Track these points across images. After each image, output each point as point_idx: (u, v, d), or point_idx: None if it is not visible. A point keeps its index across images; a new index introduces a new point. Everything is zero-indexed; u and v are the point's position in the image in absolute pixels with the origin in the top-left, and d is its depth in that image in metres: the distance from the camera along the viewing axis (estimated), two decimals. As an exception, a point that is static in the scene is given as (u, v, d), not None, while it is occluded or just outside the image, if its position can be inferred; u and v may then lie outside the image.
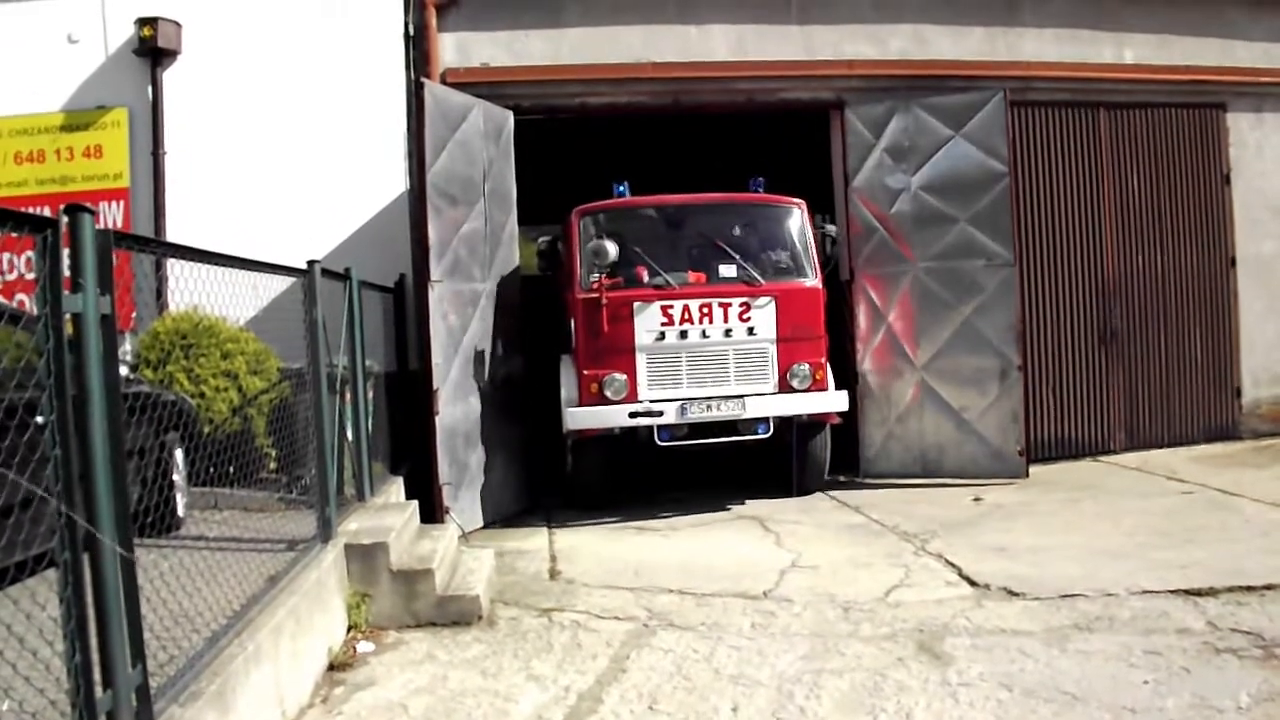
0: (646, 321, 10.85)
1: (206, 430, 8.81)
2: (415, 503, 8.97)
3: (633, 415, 10.58)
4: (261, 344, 9.85)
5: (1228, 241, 14.15)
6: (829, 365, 11.47)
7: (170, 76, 12.05)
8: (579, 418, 10.71)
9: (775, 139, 15.10)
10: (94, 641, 3.67)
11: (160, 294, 11.08)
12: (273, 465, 8.01)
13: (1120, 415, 13.67)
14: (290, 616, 5.70)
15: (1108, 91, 13.52)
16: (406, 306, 11.74)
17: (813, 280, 11.50)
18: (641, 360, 10.86)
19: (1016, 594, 7.48)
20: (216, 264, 5.51)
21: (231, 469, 7.25)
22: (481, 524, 10.64)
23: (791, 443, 11.55)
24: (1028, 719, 5.37)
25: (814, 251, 11.65)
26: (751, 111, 13.37)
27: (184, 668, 4.46)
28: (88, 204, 3.89)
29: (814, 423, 11.47)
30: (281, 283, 7.13)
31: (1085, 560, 8.26)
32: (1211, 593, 7.22)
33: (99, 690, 3.67)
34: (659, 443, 10.82)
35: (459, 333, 10.68)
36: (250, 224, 11.01)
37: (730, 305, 11.02)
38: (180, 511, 7.64)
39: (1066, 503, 10.63)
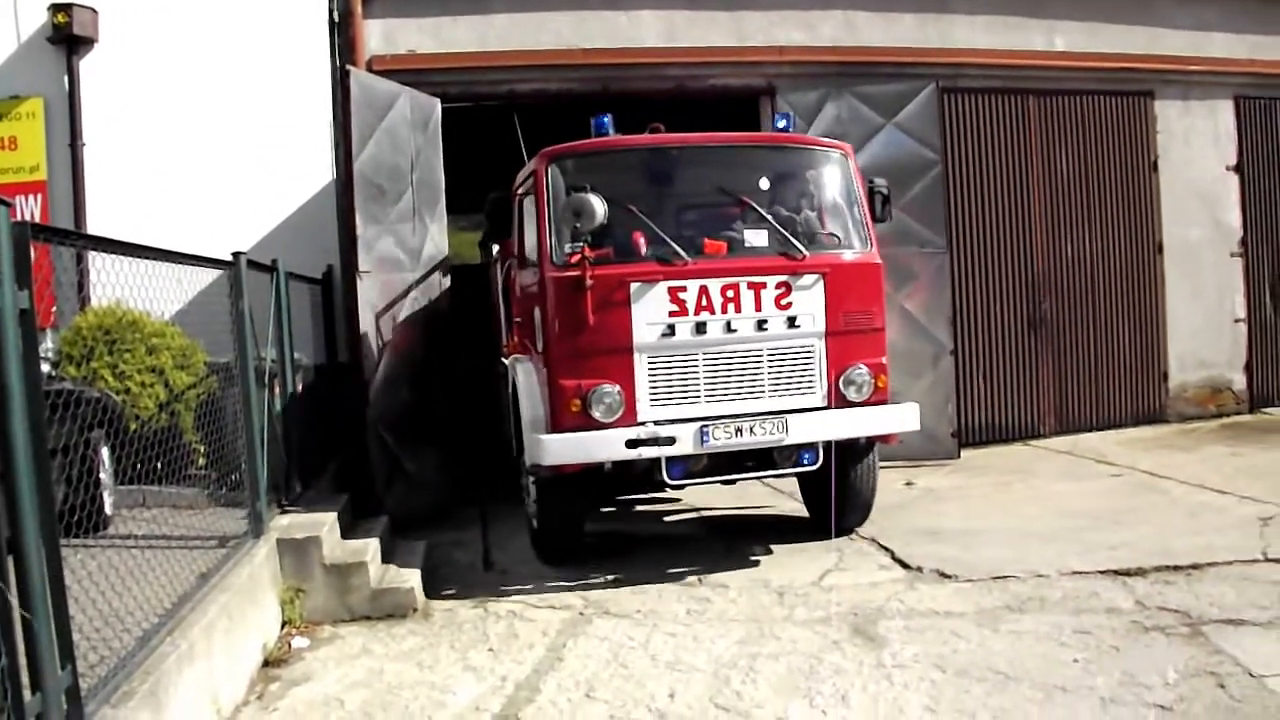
0: (648, 309, 7.82)
1: (133, 427, 8.65)
2: (346, 496, 8.89)
3: (632, 444, 7.58)
4: (188, 339, 9.69)
5: (1155, 228, 14.32)
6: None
7: (87, 65, 11.76)
8: (554, 449, 7.59)
9: (708, 126, 15.04)
10: (21, 644, 3.60)
11: (82, 288, 10.86)
12: (201, 461, 7.89)
13: (1050, 399, 13.82)
14: (223, 614, 5.63)
15: (1038, 79, 13.65)
16: (335, 298, 11.60)
17: (869, 251, 8.57)
18: (641, 365, 7.82)
19: (949, 576, 7.56)
20: (139, 257, 5.40)
21: (159, 466, 7.10)
22: (414, 516, 10.41)
23: (826, 467, 8.29)
24: (961, 699, 5.43)
25: (866, 212, 8.78)
26: (682, 98, 13.33)
27: (115, 668, 4.39)
28: (3, 197, 3.80)
29: (859, 441, 8.51)
30: (207, 275, 7.03)
31: (1016, 542, 8.36)
32: (1140, 573, 7.35)
33: (27, 694, 3.61)
34: (668, 481, 7.95)
35: (389, 324, 10.56)
36: (175, 216, 10.80)
37: (764, 287, 8.03)
38: (108, 510, 7.50)
39: (998, 486, 10.74)
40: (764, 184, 8.69)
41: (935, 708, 5.36)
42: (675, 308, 7.87)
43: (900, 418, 8.35)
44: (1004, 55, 13.40)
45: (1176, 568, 7.41)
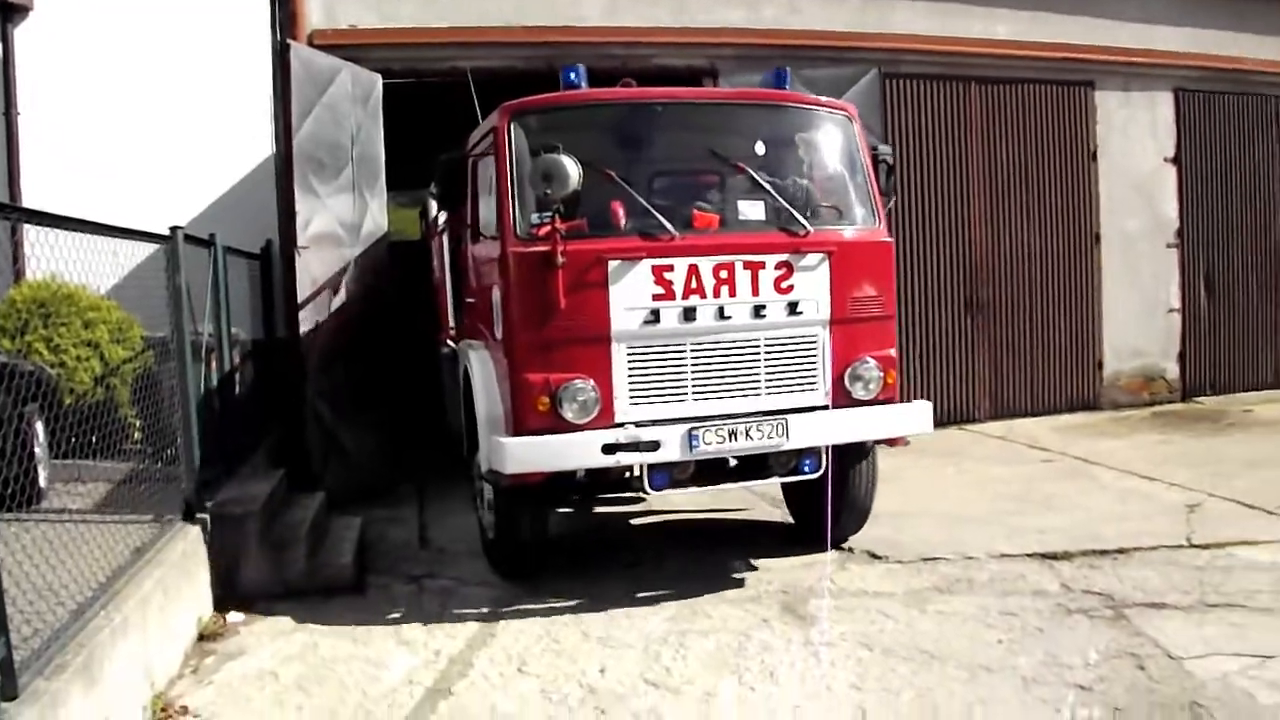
0: (629, 292, 6.79)
1: (68, 401, 8.59)
2: (282, 471, 8.86)
3: (610, 450, 6.62)
4: (124, 313, 9.62)
5: (1092, 218, 14.49)
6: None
7: (22, 33, 11.62)
8: (517, 456, 6.58)
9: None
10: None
11: (16, 260, 10.75)
12: (137, 436, 7.85)
13: (986, 385, 13.98)
14: (158, 588, 5.65)
15: (979, 66, 13.75)
16: (274, 273, 11.53)
17: (878, 227, 7.63)
18: (620, 356, 6.82)
19: (879, 557, 7.68)
20: (76, 230, 5.36)
21: (95, 440, 7.07)
22: (350, 493, 10.36)
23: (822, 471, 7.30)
24: (887, 677, 5.54)
25: (874, 183, 7.79)
26: (631, 76, 13.33)
27: (48, 640, 4.39)
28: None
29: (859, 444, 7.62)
30: (143, 249, 6.98)
31: (948, 525, 8.48)
32: (1066, 556, 7.50)
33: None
34: (649, 490, 6.96)
35: (327, 300, 10.51)
36: (112, 188, 10.71)
37: (763, 267, 7.04)
38: (42, 484, 7.46)
39: (931, 470, 10.87)
40: (759, 148, 7.58)
41: (861, 685, 5.47)
42: (660, 290, 6.85)
43: (912, 418, 7.42)
44: (944, 42, 13.49)
45: (1103, 552, 7.56)
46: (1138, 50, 14.41)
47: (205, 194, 11.42)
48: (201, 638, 6.39)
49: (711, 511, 9.23)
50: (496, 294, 7.16)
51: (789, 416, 6.94)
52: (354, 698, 5.57)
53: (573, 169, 6.57)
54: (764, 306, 7.01)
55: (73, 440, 7.13)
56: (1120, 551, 7.56)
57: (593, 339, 6.77)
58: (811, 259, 7.14)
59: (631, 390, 6.84)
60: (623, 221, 6.97)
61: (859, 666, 5.69)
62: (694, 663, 5.83)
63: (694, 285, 6.90)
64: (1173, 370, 15.02)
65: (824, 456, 7.14)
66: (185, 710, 5.40)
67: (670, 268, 6.87)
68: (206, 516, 7.00)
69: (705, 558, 7.88)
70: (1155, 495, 9.32)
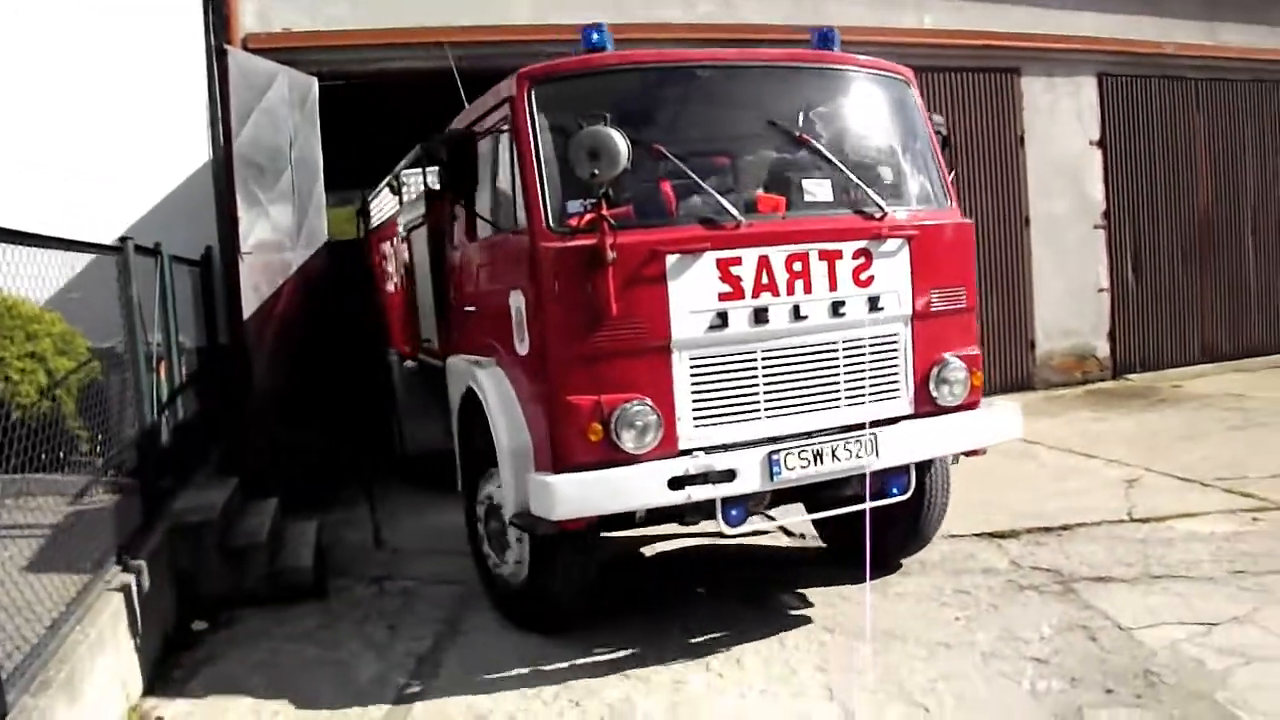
0: (691, 291, 5.69)
1: (15, 415, 8.51)
2: (235, 479, 8.84)
3: (678, 484, 5.51)
4: (67, 325, 9.52)
5: (1022, 201, 14.77)
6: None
7: (-54, 38, 11.40)
8: (569, 496, 5.44)
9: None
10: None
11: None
12: (86, 448, 7.81)
13: (923, 368, 14.11)
14: (125, 601, 5.63)
15: (910, 56, 13.79)
16: (215, 279, 11.46)
17: (952, 208, 6.74)
18: (682, 368, 5.70)
19: (834, 543, 7.77)
20: (21, 244, 5.30)
21: (44, 455, 7.02)
22: (303, 498, 10.31)
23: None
24: (850, 658, 5.67)
25: (940, 157, 6.91)
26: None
27: (28, 656, 4.40)
28: None
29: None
30: (82, 260, 6.94)
31: (897, 508, 8.60)
32: (1013, 534, 7.70)
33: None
34: (727, 529, 5.78)
35: (270, 305, 10.47)
36: (45, 195, 10.49)
37: (839, 256, 6.00)
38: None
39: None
40: (814, 122, 6.50)
41: (825, 668, 5.60)
42: (727, 288, 5.75)
43: (1004, 424, 6.58)
44: (876, 32, 13.57)
45: (1048, 529, 7.77)
46: (1061, 37, 14.69)
47: (141, 201, 11.21)
48: (169, 647, 6.39)
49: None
50: (519, 299, 6.02)
51: (877, 431, 5.98)
52: (326, 701, 5.61)
53: (623, 144, 5.38)
54: (843, 303, 5.98)
55: (21, 454, 7.09)
56: (1065, 528, 7.78)
57: (649, 350, 5.65)
58: (891, 245, 6.14)
59: (696, 409, 5.72)
60: (676, 207, 5.92)
61: (822, 650, 5.85)
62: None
63: (765, 281, 5.81)
64: (1103, 349, 15.33)
65: (912, 475, 6.21)
66: (161, 721, 5.43)
67: (737, 261, 5.76)
68: (166, 526, 6.98)
69: (646, 551, 7.95)
70: (1095, 472, 9.56)
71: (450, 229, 7.54)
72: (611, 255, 5.46)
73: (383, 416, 11.46)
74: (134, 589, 5.81)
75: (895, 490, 6.12)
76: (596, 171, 5.38)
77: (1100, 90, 15.14)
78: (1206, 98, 15.93)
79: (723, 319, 5.72)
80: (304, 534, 8.30)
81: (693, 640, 6.15)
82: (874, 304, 6.06)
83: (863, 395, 6.06)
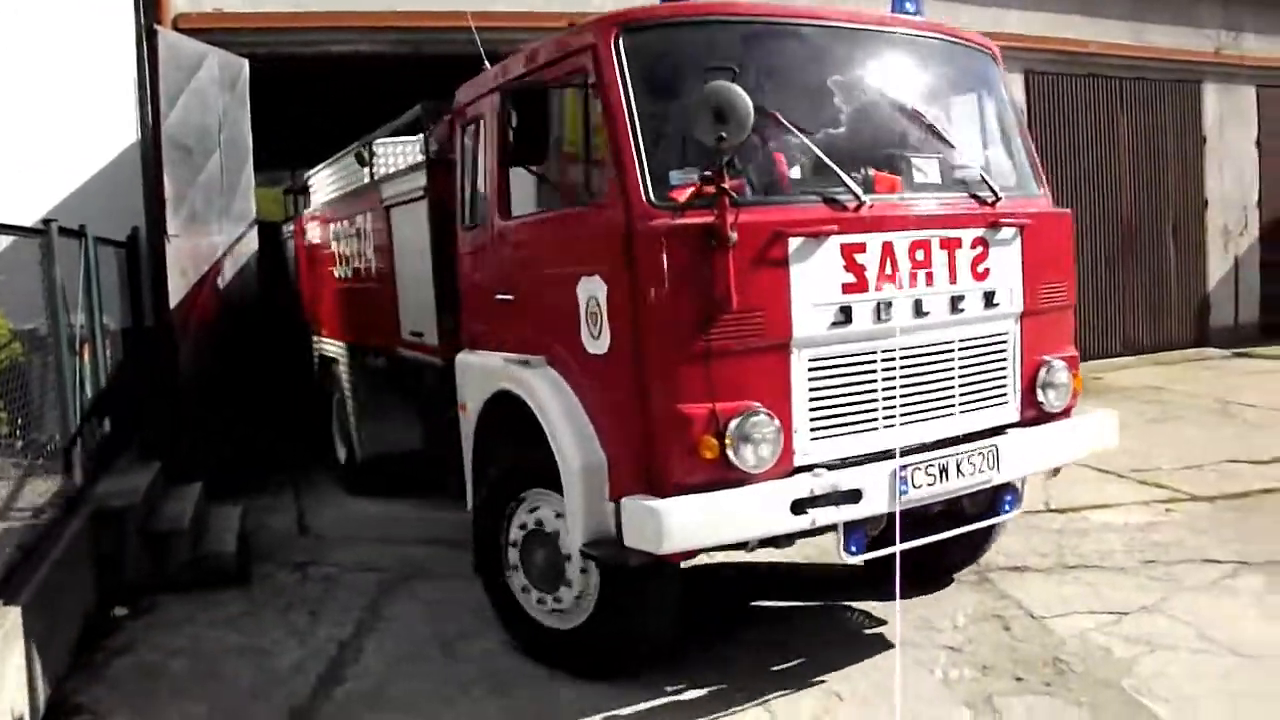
0: (814, 281, 4.94)
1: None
2: (159, 464, 8.77)
3: (800, 508, 4.78)
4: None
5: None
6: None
7: None
8: (683, 525, 4.59)
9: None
10: None
11: None
12: (4, 430, 7.71)
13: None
14: (43, 587, 5.57)
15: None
16: (141, 260, 11.32)
17: (1045, 195, 6.15)
18: (800, 370, 4.95)
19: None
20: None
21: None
22: (227, 483, 10.19)
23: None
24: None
25: (1028, 140, 6.36)
26: (496, 62, 13.31)
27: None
28: None
29: None
30: (3, 241, 6.88)
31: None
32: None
33: None
34: (845, 558, 5.05)
35: (197, 287, 10.37)
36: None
37: (959, 245, 5.37)
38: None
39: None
40: (921, 91, 5.84)
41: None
42: (851, 278, 5.02)
43: (1103, 432, 6.07)
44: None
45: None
46: (989, 34, 14.79)
47: (67, 182, 11.08)
48: (89, 634, 6.33)
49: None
50: (594, 287, 5.10)
51: (996, 441, 5.44)
52: (246, 688, 5.60)
53: (749, 104, 4.52)
54: (962, 297, 5.36)
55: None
56: (981, 519, 7.89)
57: (767, 349, 4.87)
58: (1006, 234, 5.54)
59: (813, 419, 4.98)
60: (787, 185, 5.26)
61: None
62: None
63: (888, 271, 5.11)
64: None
65: (1023, 489, 5.78)
66: (79, 709, 5.40)
67: (862, 248, 5.04)
68: (88, 510, 6.91)
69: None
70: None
71: (466, 203, 6.58)
72: (733, 236, 4.66)
73: (312, 407, 11.33)
74: (49, 575, 5.73)
75: (1007, 506, 5.64)
76: (725, 135, 4.49)
77: (1026, 88, 15.31)
78: (1131, 97, 16.24)
79: (845, 314, 4.99)
80: (228, 520, 8.25)
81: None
82: (989, 299, 5.48)
83: (978, 401, 5.50)
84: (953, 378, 5.36)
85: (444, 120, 7.35)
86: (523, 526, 5.71)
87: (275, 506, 9.52)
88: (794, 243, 4.85)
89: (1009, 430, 5.58)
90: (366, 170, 9.03)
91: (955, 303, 5.32)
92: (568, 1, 12.68)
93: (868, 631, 6.07)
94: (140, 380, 10.20)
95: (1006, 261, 5.53)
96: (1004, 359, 5.60)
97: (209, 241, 10.57)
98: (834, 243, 4.95)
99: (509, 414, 5.74)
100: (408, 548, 7.99)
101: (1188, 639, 5.73)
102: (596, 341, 5.12)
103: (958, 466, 5.22)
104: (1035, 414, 5.72)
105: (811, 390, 4.95)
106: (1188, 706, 4.99)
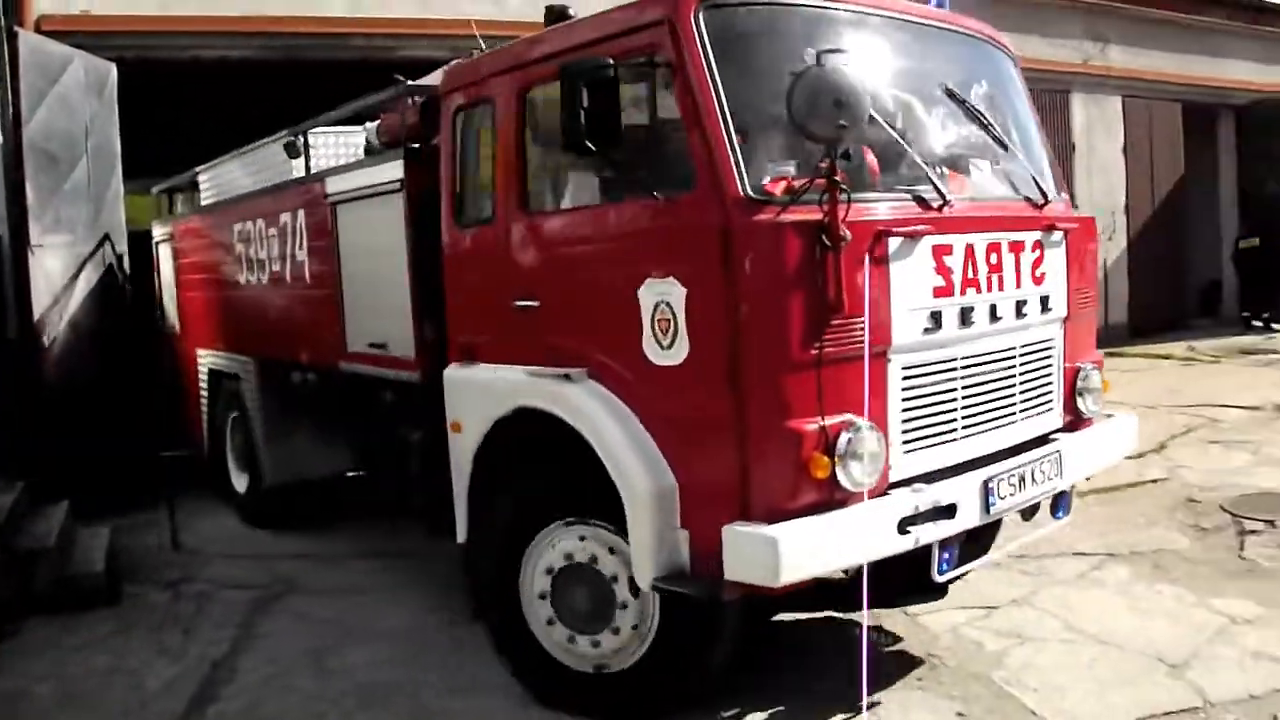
0: (909, 284, 4.67)
1: None
2: (22, 482, 8.50)
3: (905, 526, 4.48)
4: None
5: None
6: None
7: None
8: (799, 551, 4.18)
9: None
10: None
11: None
12: None
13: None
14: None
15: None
16: (3, 272, 10.97)
17: (1066, 199, 5.99)
18: (895, 379, 4.68)
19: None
20: None
21: None
22: (96, 500, 9.83)
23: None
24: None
25: (1048, 145, 6.23)
26: (370, 69, 13.20)
27: None
28: None
29: None
30: None
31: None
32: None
33: None
34: (936, 579, 4.89)
35: (64, 298, 10.11)
36: None
37: (1023, 248, 5.24)
38: None
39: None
40: (969, 90, 5.53)
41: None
42: (941, 281, 4.78)
43: (1129, 434, 6.03)
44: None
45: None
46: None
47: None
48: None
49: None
50: (666, 290, 4.60)
51: (1059, 447, 5.36)
52: (115, 711, 5.47)
53: (867, 93, 4.27)
54: (1025, 302, 5.23)
55: None
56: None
57: (864, 357, 4.47)
58: (1056, 238, 5.45)
59: (905, 430, 4.72)
60: (877, 178, 4.87)
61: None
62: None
63: (969, 274, 4.92)
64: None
65: (1073, 496, 5.62)
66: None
67: (949, 249, 4.81)
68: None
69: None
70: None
71: (459, 198, 5.91)
72: (846, 235, 4.31)
73: (184, 423, 10.93)
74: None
75: (1062, 513, 5.55)
76: (844, 124, 4.10)
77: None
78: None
79: (935, 319, 4.74)
80: (96, 538, 8.02)
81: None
82: (1044, 304, 5.35)
83: (1034, 407, 5.39)
84: (1014, 384, 5.24)
85: (404, 108, 6.66)
86: (556, 565, 5.17)
87: (147, 523, 9.28)
88: (893, 243, 4.57)
89: (1057, 436, 5.53)
90: (299, 163, 8.00)
91: (1019, 307, 5.19)
92: (435, 9, 12.73)
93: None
94: (2, 395, 9.90)
95: (1056, 266, 5.46)
96: (1051, 364, 5.51)
97: (75, 251, 10.29)
98: (927, 244, 4.70)
99: (529, 435, 5.29)
100: (282, 563, 7.89)
101: (1056, 630, 5.91)
102: (667, 352, 4.63)
103: (1033, 475, 5.12)
104: (1073, 419, 5.69)
105: (904, 400, 4.69)
106: (1055, 694, 5.14)
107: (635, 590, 4.86)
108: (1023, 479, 5.03)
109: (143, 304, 11.43)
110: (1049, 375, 5.48)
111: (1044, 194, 5.51)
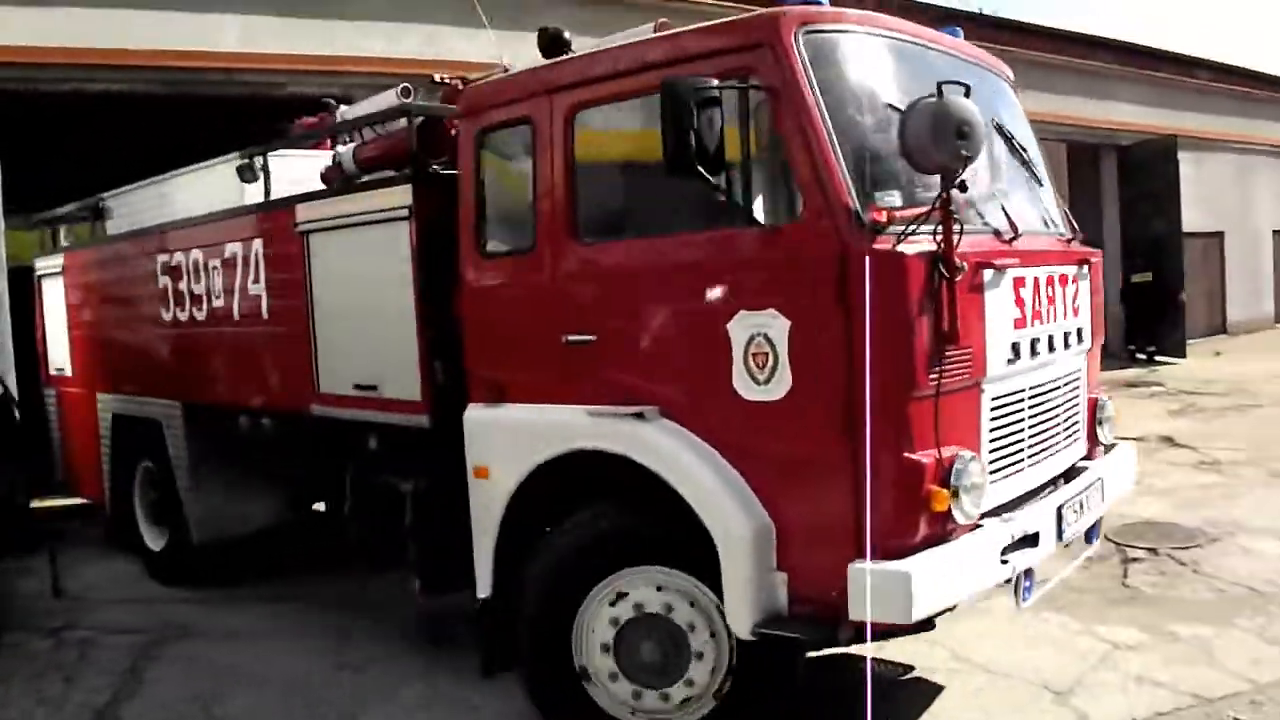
0: (998, 315, 4.68)
1: None
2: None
3: (1004, 557, 4.53)
4: None
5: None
6: None
7: None
8: (931, 588, 4.17)
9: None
10: None
11: None
12: None
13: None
14: None
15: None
16: None
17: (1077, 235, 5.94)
18: (986, 409, 4.68)
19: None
20: None
21: None
22: None
23: None
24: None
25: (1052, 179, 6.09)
26: (262, 104, 13.06)
27: None
28: None
29: None
30: None
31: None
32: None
33: None
34: (1020, 607, 4.78)
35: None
36: None
37: (1066, 281, 5.29)
38: None
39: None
40: (1014, 126, 5.60)
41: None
42: (1019, 313, 4.80)
43: (1133, 464, 6.09)
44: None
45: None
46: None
47: None
48: None
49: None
50: (758, 323, 4.44)
51: (1100, 474, 5.47)
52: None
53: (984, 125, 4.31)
54: (1069, 333, 5.29)
55: None
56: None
57: (968, 388, 4.52)
58: (1085, 270, 5.54)
59: (991, 461, 4.67)
60: (963, 215, 4.47)
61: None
62: (350, 694, 5.83)
63: (1036, 306, 4.94)
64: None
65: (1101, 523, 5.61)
66: None
67: (1024, 281, 4.84)
68: None
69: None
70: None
71: (483, 226, 5.50)
72: (962, 265, 4.27)
73: (72, 470, 10.35)
74: None
75: (1094, 538, 5.58)
76: (967, 153, 4.09)
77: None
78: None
79: (1015, 350, 4.74)
80: (-28, 585, 7.75)
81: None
82: (1079, 335, 5.42)
83: (1070, 437, 5.41)
84: (1059, 415, 5.24)
85: (398, 131, 6.22)
86: (624, 616, 4.87)
87: (28, 568, 8.97)
88: (988, 274, 4.55)
89: (1087, 465, 5.57)
90: (255, 187, 7.20)
91: (1066, 338, 5.21)
92: (331, 46, 12.67)
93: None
94: None
95: (1085, 298, 5.50)
96: (1079, 394, 5.52)
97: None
98: (1010, 276, 4.71)
99: (580, 479, 5.06)
100: (173, 607, 7.70)
101: (944, 659, 5.99)
102: (764, 387, 4.44)
103: (1088, 501, 5.19)
104: (1093, 448, 5.72)
105: (991, 431, 4.66)
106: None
107: (713, 638, 4.71)
108: (1081, 505, 5.11)
109: (22, 343, 10.90)
110: (1078, 405, 5.51)
111: (1072, 228, 5.66)
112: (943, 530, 4.29)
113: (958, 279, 4.23)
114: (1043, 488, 5.05)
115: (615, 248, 5.05)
